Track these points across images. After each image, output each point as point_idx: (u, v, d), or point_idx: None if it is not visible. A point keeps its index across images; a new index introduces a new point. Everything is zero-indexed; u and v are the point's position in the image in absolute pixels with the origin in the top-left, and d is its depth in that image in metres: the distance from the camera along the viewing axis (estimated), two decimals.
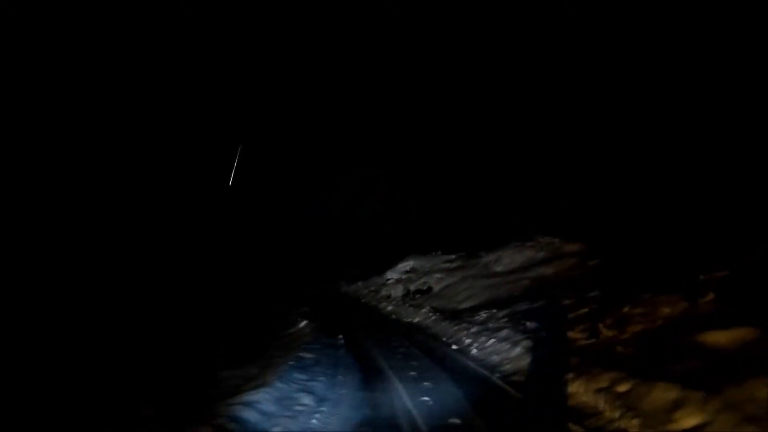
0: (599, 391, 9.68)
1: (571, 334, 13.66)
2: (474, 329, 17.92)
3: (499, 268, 26.08)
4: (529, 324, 16.03)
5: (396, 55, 46.44)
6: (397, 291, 28.77)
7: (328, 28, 43.35)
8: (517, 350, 14.13)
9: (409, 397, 11.26)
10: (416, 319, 23.33)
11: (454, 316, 21.28)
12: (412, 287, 28.12)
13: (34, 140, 25.23)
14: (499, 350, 15.00)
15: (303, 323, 21.70)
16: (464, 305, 23.13)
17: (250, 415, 9.61)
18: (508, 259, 26.47)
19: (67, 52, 26.84)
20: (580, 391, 10.18)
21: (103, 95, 28.91)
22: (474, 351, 16.06)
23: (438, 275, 27.67)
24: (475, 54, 45.01)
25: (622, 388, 9.31)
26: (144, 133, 31.42)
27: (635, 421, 8.21)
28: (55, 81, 26.49)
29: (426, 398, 11.11)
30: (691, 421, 7.38)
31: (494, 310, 19.83)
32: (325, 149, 51.43)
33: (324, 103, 49.77)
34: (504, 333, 16.05)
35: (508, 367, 13.47)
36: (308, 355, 15.55)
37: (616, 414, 8.74)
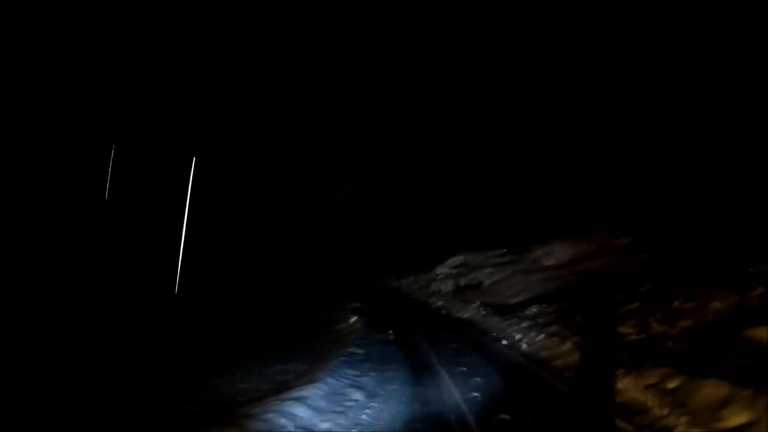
0: (648, 387, 9.66)
1: (621, 329, 13.60)
2: (524, 324, 17.92)
3: (549, 263, 25.96)
4: (579, 319, 15.98)
5: (396, 55, 46.37)
6: (447, 286, 28.73)
7: (328, 28, 43.41)
8: (567, 345, 14.11)
9: (459, 392, 11.29)
10: (466, 315, 23.32)
11: (505, 311, 21.25)
12: (462, 282, 28.07)
13: (34, 140, 25.55)
14: (548, 346, 14.99)
15: (353, 318, 21.79)
16: (514, 300, 23.10)
17: (300, 411, 9.70)
18: (558, 253, 26.33)
19: (67, 52, 27.17)
20: (629, 387, 10.16)
21: (103, 95, 29.25)
22: (524, 346, 16.06)
23: (488, 270, 27.58)
24: (476, 54, 44.89)
25: (672, 384, 9.27)
26: (145, 133, 31.74)
27: (684, 419, 8.17)
28: (55, 81, 26.82)
29: (476, 394, 11.14)
30: (739, 420, 7.34)
31: (544, 305, 19.78)
32: (325, 149, 51.37)
33: (324, 104, 49.73)
34: (554, 328, 16.03)
35: (557, 362, 13.46)
36: (358, 351, 15.64)
37: (665, 411, 8.71)
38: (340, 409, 10.27)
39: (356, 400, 10.87)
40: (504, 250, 30.51)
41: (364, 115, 50.96)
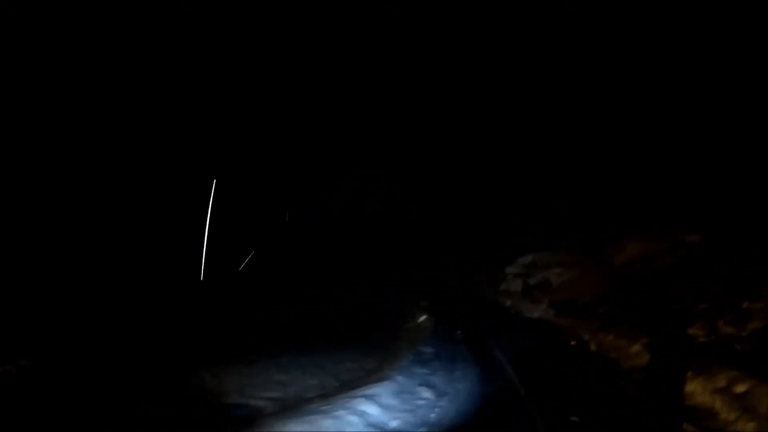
0: (717, 391, 9.65)
1: (690, 331, 13.52)
2: (593, 324, 17.86)
3: (618, 261, 25.72)
4: (648, 319, 15.88)
5: (396, 55, 46.19)
6: (516, 285, 28.61)
7: (328, 28, 43.34)
8: (637, 347, 14.06)
9: (527, 393, 11.40)
10: (535, 314, 23.29)
11: (574, 310, 21.17)
12: (532, 281, 27.96)
13: (34, 140, 25.92)
14: (617, 346, 14.95)
15: (422, 318, 21.92)
16: (583, 299, 22.94)
17: (370, 408, 9.92)
18: (627, 251, 26.03)
19: (67, 52, 27.55)
20: (697, 390, 10.16)
21: (102, 95, 29.59)
22: (593, 347, 16.07)
23: (557, 269, 27.40)
24: (476, 54, 44.58)
25: (740, 388, 9.25)
26: (144, 133, 32.04)
27: (751, 425, 8.17)
28: (55, 81, 27.20)
29: (545, 394, 11.25)
30: None
31: (613, 305, 19.68)
32: (325, 149, 51.22)
33: (324, 103, 49.60)
34: (623, 329, 15.96)
35: (627, 364, 13.46)
36: (428, 349, 15.78)
37: (732, 416, 8.71)
38: (409, 407, 10.46)
39: (426, 399, 11.04)
40: (573, 249, 30.32)
41: (364, 115, 50.94)
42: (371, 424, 9.36)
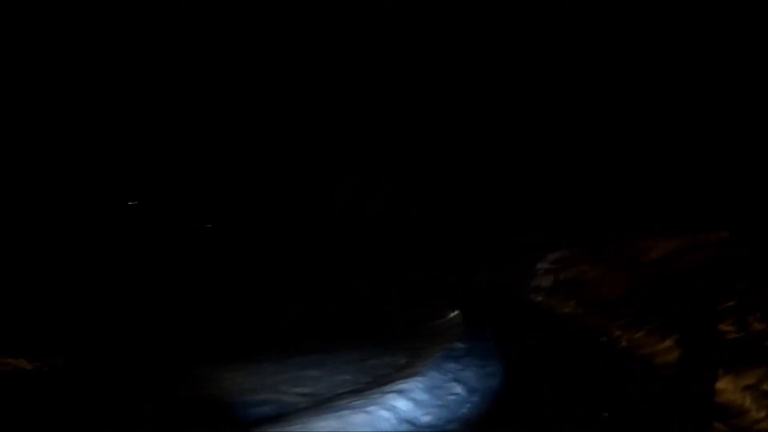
0: (746, 388, 9.64)
1: (720, 327, 13.51)
2: (623, 321, 17.85)
3: (646, 258, 25.62)
4: (677, 316, 15.86)
5: (396, 55, 46.03)
6: (547, 281, 28.56)
7: (327, 28, 43.22)
8: (667, 343, 14.05)
9: (560, 389, 11.50)
10: (565, 310, 23.28)
11: (604, 307, 21.14)
12: (562, 277, 27.96)
13: (33, 140, 26.02)
14: (648, 343, 14.94)
15: (453, 314, 21.93)
16: (613, 296, 22.89)
17: (401, 403, 10.03)
18: (655, 248, 25.90)
19: (67, 52, 27.66)
20: (728, 388, 10.15)
21: (102, 94, 29.69)
22: (624, 343, 16.09)
23: (586, 265, 27.42)
24: (476, 53, 44.43)
25: None
26: (144, 132, 32.11)
27: None
28: (56, 81, 27.30)
29: (576, 391, 11.33)
30: None
31: (643, 301, 19.61)
32: (325, 149, 50.98)
33: (323, 103, 49.39)
34: (653, 325, 15.93)
35: (657, 360, 13.44)
36: (459, 345, 15.79)
37: (762, 414, 8.72)
38: (441, 402, 10.57)
39: (457, 395, 11.15)
40: (601, 246, 30.21)
41: (364, 115, 50.77)
42: (403, 419, 9.47)
